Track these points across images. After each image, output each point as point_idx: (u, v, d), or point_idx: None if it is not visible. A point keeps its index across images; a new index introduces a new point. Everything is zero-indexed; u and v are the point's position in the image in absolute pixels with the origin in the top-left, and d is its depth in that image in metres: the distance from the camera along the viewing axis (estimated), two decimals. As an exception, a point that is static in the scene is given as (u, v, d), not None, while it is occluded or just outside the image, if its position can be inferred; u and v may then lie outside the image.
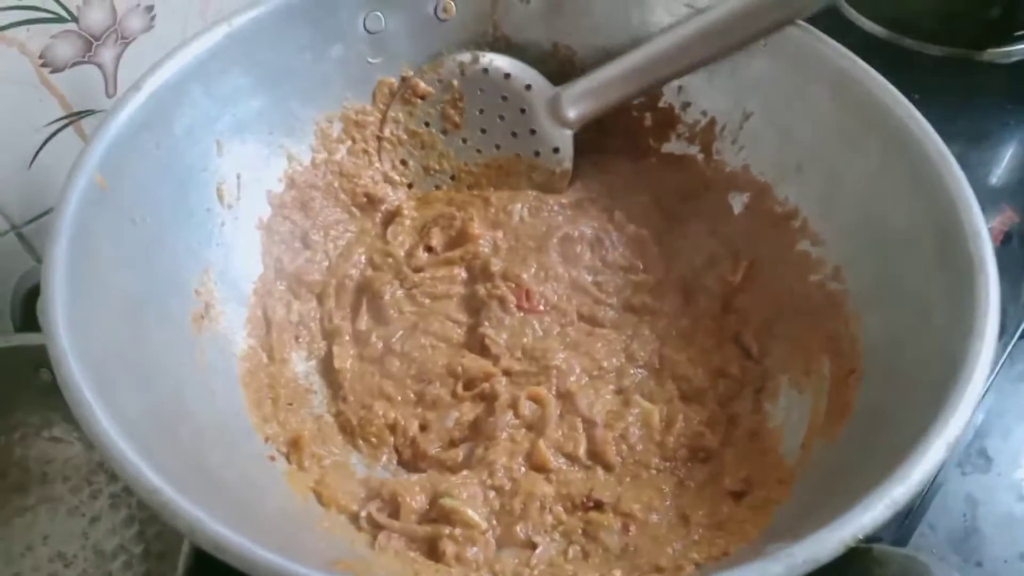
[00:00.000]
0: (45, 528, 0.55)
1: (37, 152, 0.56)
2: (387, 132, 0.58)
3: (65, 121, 0.58)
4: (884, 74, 0.48)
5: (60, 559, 0.54)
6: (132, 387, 0.38)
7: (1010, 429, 0.64)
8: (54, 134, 0.57)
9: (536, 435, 0.46)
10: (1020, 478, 0.61)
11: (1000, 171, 0.71)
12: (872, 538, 0.30)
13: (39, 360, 0.54)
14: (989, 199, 0.68)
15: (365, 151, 0.58)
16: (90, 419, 0.32)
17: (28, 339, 0.54)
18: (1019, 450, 0.63)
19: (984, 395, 0.61)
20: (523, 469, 0.45)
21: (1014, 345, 0.62)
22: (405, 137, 0.59)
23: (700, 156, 0.56)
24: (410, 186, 0.59)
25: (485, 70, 0.56)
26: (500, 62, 0.56)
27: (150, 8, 0.59)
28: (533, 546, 0.42)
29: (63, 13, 0.53)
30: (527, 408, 0.47)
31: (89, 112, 0.59)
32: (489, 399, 0.48)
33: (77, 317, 0.37)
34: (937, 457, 0.31)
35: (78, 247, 0.39)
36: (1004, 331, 0.61)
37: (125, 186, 0.44)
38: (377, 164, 0.58)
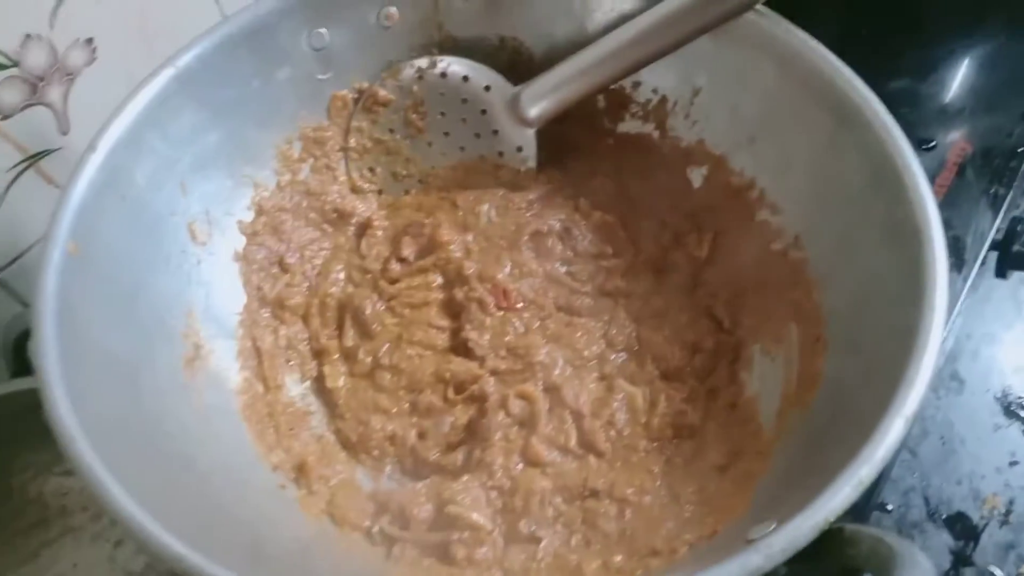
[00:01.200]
0: (72, 557, 0.58)
1: (2, 198, 0.56)
2: (352, 142, 0.58)
3: (24, 164, 0.58)
4: (828, 11, 0.48)
5: (92, 584, 0.56)
6: (137, 449, 0.39)
7: (978, 349, 0.67)
8: (15, 179, 0.57)
9: (528, 432, 0.49)
10: (992, 395, 0.65)
11: (950, 100, 0.72)
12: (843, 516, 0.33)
13: (39, 402, 0.55)
14: (942, 130, 0.70)
15: (328, 166, 0.58)
16: (109, 498, 0.34)
17: (24, 383, 0.55)
18: (989, 369, 0.66)
19: (952, 322, 0.64)
20: (520, 466, 0.48)
21: (976, 273, 0.64)
22: (370, 145, 0.59)
23: (656, 133, 0.57)
24: (380, 192, 0.60)
25: (443, 74, 0.56)
26: (457, 66, 0.56)
27: (90, 41, 0.58)
28: (538, 540, 0.45)
29: (2, 60, 0.53)
30: (517, 407, 0.49)
31: (46, 152, 0.59)
32: (479, 400, 0.50)
33: (75, 391, 0.38)
34: (897, 433, 0.34)
35: (64, 319, 0.40)
36: (964, 262, 0.64)
37: (98, 247, 0.44)
38: (343, 178, 0.59)
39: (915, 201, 0.40)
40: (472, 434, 0.50)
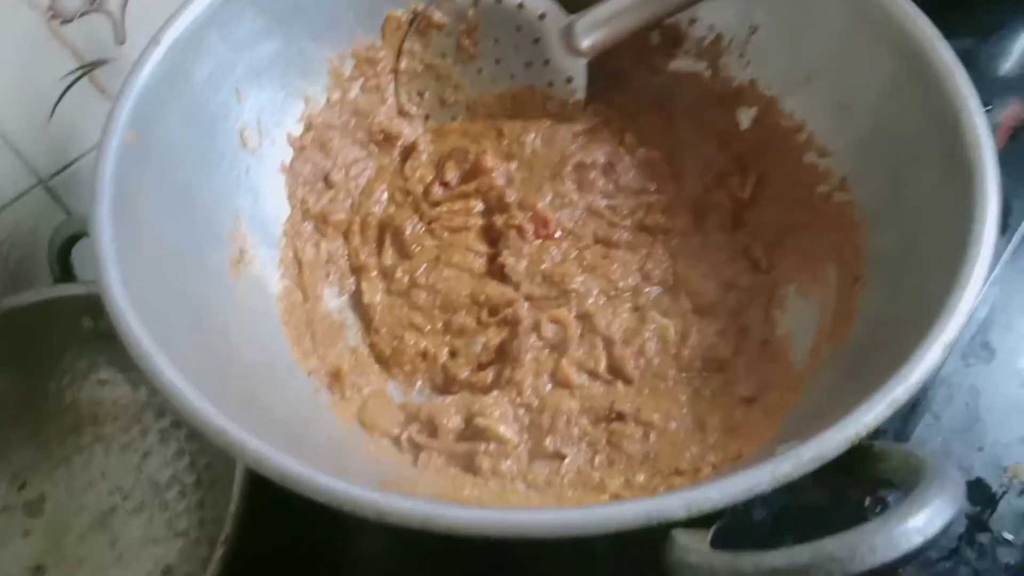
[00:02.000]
0: (102, 465, 0.59)
1: (55, 105, 0.57)
2: (403, 65, 0.59)
3: (79, 72, 0.58)
4: None
5: (119, 492, 0.58)
6: (184, 335, 0.40)
7: (1012, 321, 0.66)
8: (70, 86, 0.58)
9: (559, 355, 0.49)
10: (1021, 367, 0.64)
11: (1010, 65, 0.70)
12: (876, 434, 0.33)
13: (81, 308, 0.57)
14: (998, 94, 0.68)
15: (378, 88, 0.59)
16: (156, 370, 0.35)
17: (68, 289, 0.57)
18: (1021, 341, 0.65)
19: (987, 288, 0.63)
20: (549, 387, 0.48)
21: (1019, 242, 0.63)
22: (421, 69, 0.59)
23: (707, 72, 0.56)
24: (427, 118, 0.60)
25: (498, 0, 0.56)
26: (513, -9, 0.56)
27: (151, -49, 0.59)
28: (562, 457, 0.45)
29: (67, -37, 0.53)
30: (549, 330, 0.50)
31: (101, 62, 0.59)
32: (512, 324, 0.51)
33: (128, 273, 0.39)
34: (935, 358, 0.34)
35: (119, 206, 0.41)
36: (1008, 227, 0.63)
37: (154, 140, 0.45)
38: (391, 100, 0.59)
39: (973, 142, 0.40)
40: (503, 355, 0.50)
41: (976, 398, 0.63)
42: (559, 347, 0.50)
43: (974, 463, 0.60)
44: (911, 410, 0.58)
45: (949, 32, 0.45)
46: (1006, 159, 0.66)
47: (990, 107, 0.67)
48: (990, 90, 0.69)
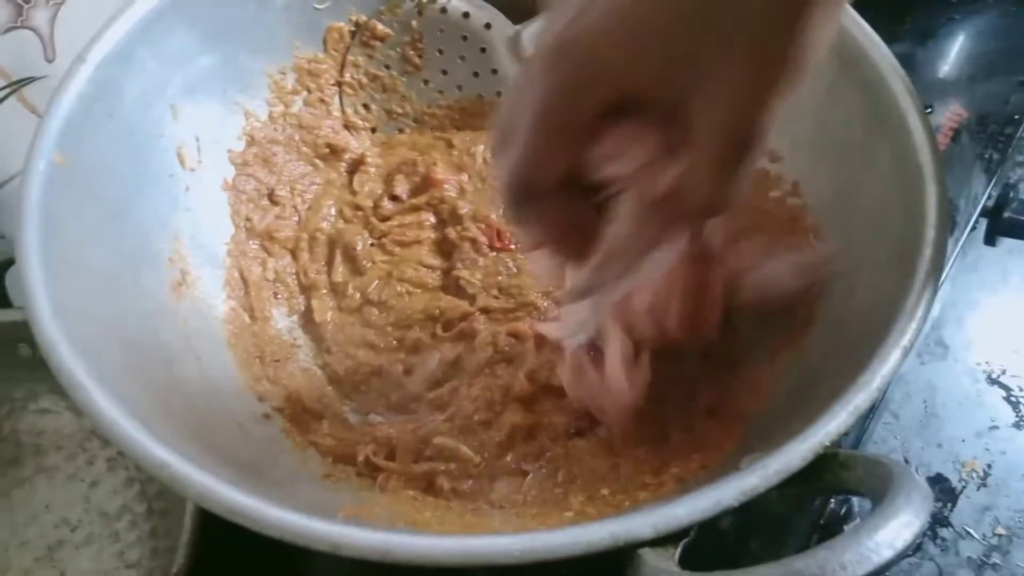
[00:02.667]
0: (45, 497, 0.57)
1: (-18, 125, 0.56)
2: (347, 76, 0.58)
3: (6, 91, 0.56)
4: None
5: (65, 524, 0.55)
6: (122, 364, 0.38)
7: (963, 317, 0.67)
8: (-3, 105, 0.56)
9: (515, 369, 0.48)
10: (974, 363, 0.65)
11: (948, 68, 0.72)
12: (838, 441, 0.33)
13: (17, 335, 0.55)
14: (938, 96, 0.70)
15: (322, 100, 0.58)
16: (89, 402, 0.33)
17: (3, 315, 0.55)
18: (973, 337, 0.66)
19: (940, 285, 0.65)
20: (508, 402, 0.47)
21: (966, 238, 0.65)
22: (366, 81, 0.58)
23: (656, 80, 0.56)
24: (373, 130, 0.59)
25: (443, 9, 0.56)
26: (458, 1, 0.56)
27: (78, -36, 0.57)
28: (524, 474, 0.44)
29: (-14, -23, 0.51)
30: (506, 343, 0.49)
31: (30, 79, 0.57)
32: (469, 337, 0.50)
33: (59, 302, 0.37)
34: (894, 362, 0.34)
35: (48, 230, 0.39)
36: (955, 225, 0.64)
37: (83, 161, 0.43)
38: (336, 113, 0.58)
39: (918, 143, 0.40)
40: (459, 370, 0.49)
41: (933, 395, 0.64)
42: (515, 361, 0.49)
43: (933, 460, 0.61)
44: (871, 410, 0.59)
45: (887, 37, 0.46)
46: (948, 159, 0.68)
47: (930, 109, 0.69)
48: (930, 92, 0.71)
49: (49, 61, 0.58)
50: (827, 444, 0.31)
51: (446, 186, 0.55)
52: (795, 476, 0.31)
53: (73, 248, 0.41)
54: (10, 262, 0.54)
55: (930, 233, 0.37)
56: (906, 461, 0.61)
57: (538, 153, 0.30)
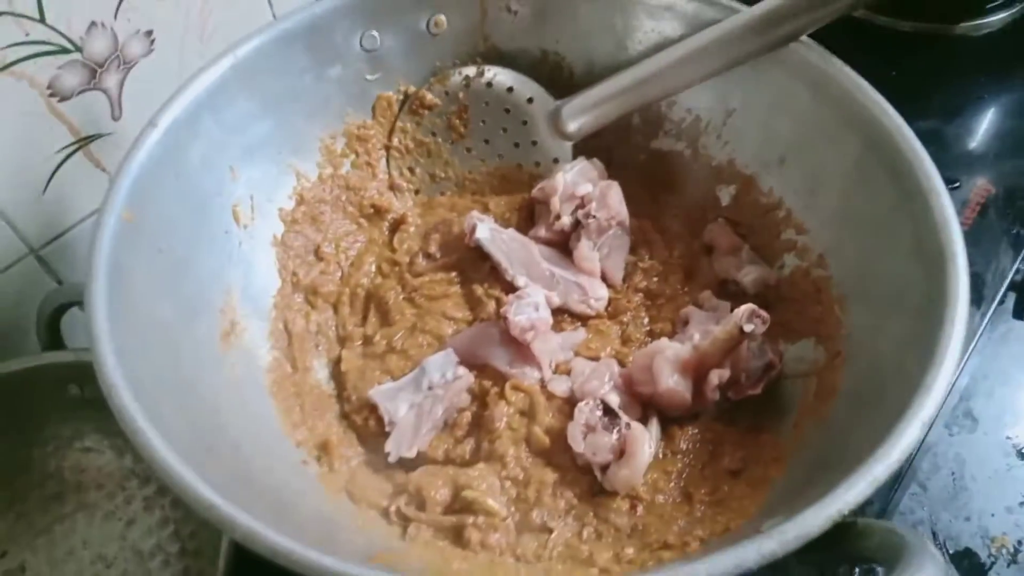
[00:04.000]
0: (84, 533, 0.59)
1: (50, 178, 0.59)
2: (395, 141, 0.61)
3: (75, 147, 0.60)
4: (859, 53, 0.50)
5: (101, 561, 0.57)
6: (175, 407, 0.41)
7: (993, 390, 0.67)
8: (65, 159, 0.59)
9: (529, 421, 0.49)
10: (1004, 436, 0.65)
11: (975, 144, 0.73)
12: (861, 506, 0.33)
13: (67, 376, 0.57)
14: (966, 172, 0.71)
15: (368, 164, 0.61)
16: (146, 445, 0.35)
17: (56, 357, 0.57)
18: (1003, 409, 0.66)
19: (968, 359, 0.65)
20: (530, 458, 0.48)
21: (993, 311, 0.65)
22: (412, 146, 0.61)
23: (688, 151, 0.59)
24: (416, 192, 0.62)
25: (489, 83, 0.59)
26: (503, 76, 0.59)
27: (149, 33, 0.61)
28: (550, 530, 0.45)
29: (67, 44, 0.55)
30: (514, 397, 0.50)
31: (97, 136, 0.61)
32: (480, 396, 0.52)
33: (121, 348, 0.39)
34: (914, 436, 0.35)
35: (114, 282, 0.42)
36: (983, 299, 0.65)
37: (149, 218, 0.46)
38: (382, 175, 0.61)
39: (941, 222, 0.42)
40: (478, 426, 0.51)
41: (961, 467, 0.63)
42: (528, 413, 0.50)
43: (961, 533, 0.60)
44: (897, 480, 0.58)
45: (915, 113, 0.48)
46: (976, 233, 0.69)
47: (958, 184, 0.70)
48: (957, 168, 0.72)
49: (115, 120, 0.61)
50: (845, 513, 0.32)
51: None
52: (814, 542, 0.32)
53: (136, 298, 0.43)
54: (67, 306, 0.57)
55: (951, 311, 0.38)
56: (934, 534, 0.60)
57: None
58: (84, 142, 0.60)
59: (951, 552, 0.60)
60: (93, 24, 0.56)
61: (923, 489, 0.62)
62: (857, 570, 0.51)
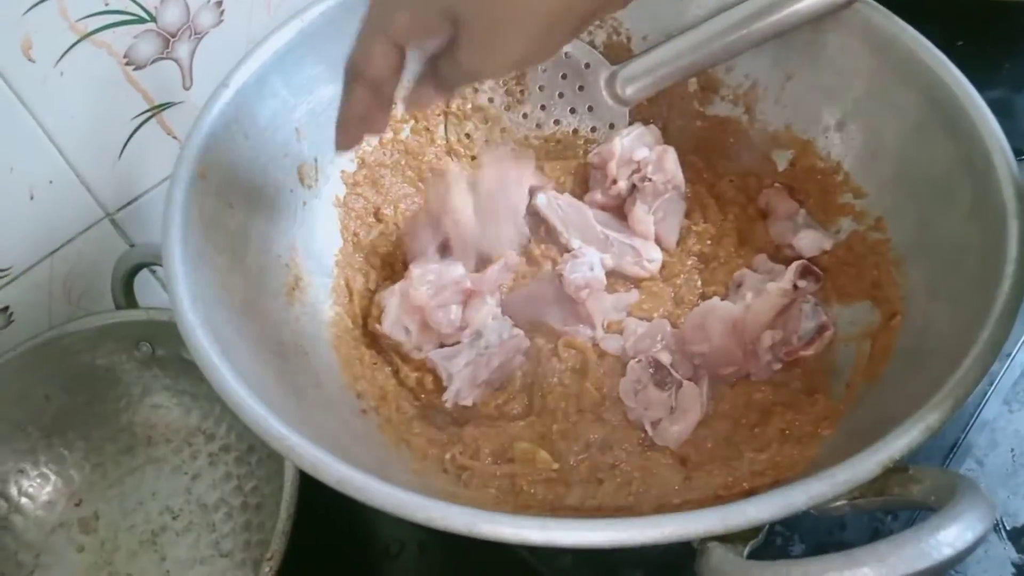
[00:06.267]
0: (152, 485, 0.62)
1: (125, 144, 0.61)
2: (454, 107, 0.62)
3: (149, 114, 0.62)
4: (926, 22, 0.50)
5: (168, 512, 0.61)
6: (245, 352, 0.43)
7: (1056, 365, 0.65)
8: (139, 127, 0.62)
9: (581, 377, 0.50)
10: (1067, 412, 0.63)
11: (1046, 113, 0.71)
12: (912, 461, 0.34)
13: (139, 335, 0.61)
14: (1034, 143, 0.69)
15: (427, 129, 0.62)
16: (222, 381, 0.38)
17: (129, 315, 0.60)
18: (1066, 385, 0.64)
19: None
20: (581, 413, 0.49)
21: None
22: (470, 111, 0.63)
23: (744, 117, 0.59)
24: (473, 158, 0.63)
25: (546, 48, 0.59)
26: (560, 41, 0.59)
27: (219, 3, 0.63)
28: (599, 482, 0.46)
29: (143, 14, 0.57)
30: (567, 354, 0.51)
31: (169, 104, 0.63)
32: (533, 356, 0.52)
33: (196, 294, 0.42)
34: (967, 388, 0.34)
35: (188, 233, 0.44)
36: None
37: (220, 174, 0.48)
38: (440, 141, 0.62)
39: (1003, 179, 0.41)
40: (531, 383, 0.52)
41: (1021, 444, 0.62)
42: (580, 370, 0.51)
43: (1020, 511, 0.59)
44: (953, 455, 0.57)
45: (984, 82, 0.47)
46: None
47: (1024, 157, 0.68)
48: (1024, 142, 0.70)
49: (187, 89, 0.64)
50: (896, 458, 0.32)
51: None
52: (864, 487, 0.32)
53: (209, 250, 0.46)
54: (139, 267, 0.60)
55: (1010, 268, 0.38)
56: (991, 510, 0.59)
57: None
58: (157, 110, 0.62)
59: (1008, 529, 0.59)
60: (167, -6, 0.58)
61: (980, 465, 0.61)
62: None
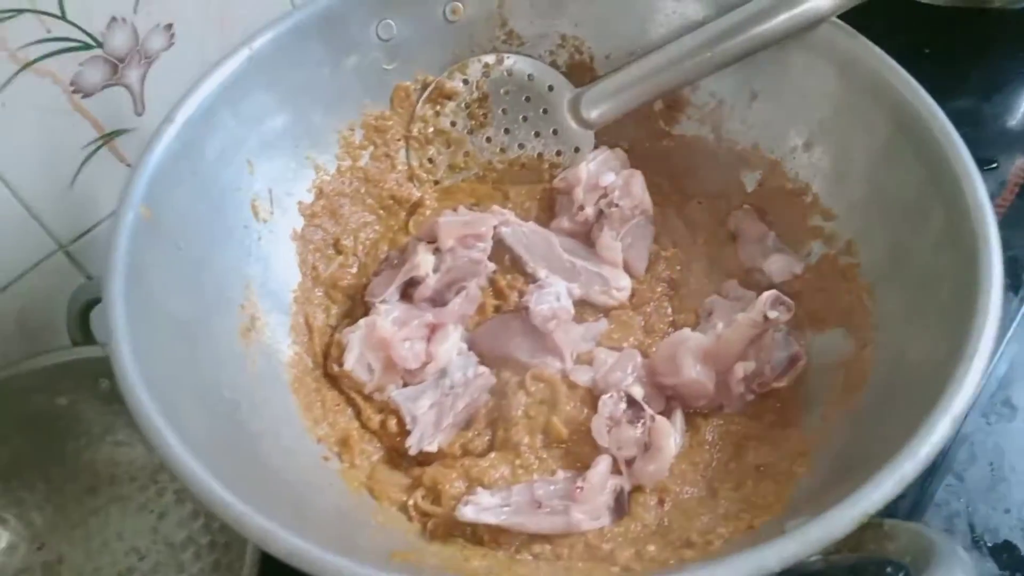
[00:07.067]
0: (118, 526, 0.60)
1: (76, 173, 0.59)
2: (415, 131, 0.60)
3: (100, 142, 0.60)
4: (892, 32, 0.49)
5: (135, 553, 0.58)
6: (194, 405, 0.41)
7: (1032, 378, 0.65)
8: (90, 155, 0.59)
9: (549, 410, 0.49)
10: (1044, 426, 0.63)
11: (1015, 122, 0.71)
12: (885, 511, 0.32)
13: (98, 371, 0.58)
14: (1004, 151, 0.69)
15: (387, 155, 0.60)
16: (162, 444, 0.36)
17: (87, 351, 0.58)
18: (1043, 398, 0.64)
19: (1005, 346, 0.63)
20: (546, 448, 0.48)
21: (1034, 296, 0.63)
22: (432, 135, 0.61)
23: (711, 136, 0.58)
24: (436, 183, 0.62)
25: (509, 71, 0.58)
26: (523, 64, 0.58)
27: (169, 27, 0.60)
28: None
29: (88, 40, 0.55)
30: (534, 387, 0.50)
31: (121, 131, 0.61)
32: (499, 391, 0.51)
33: (139, 346, 0.39)
34: (944, 433, 0.33)
35: (132, 279, 0.42)
36: (1021, 284, 0.63)
37: (167, 214, 0.46)
38: (401, 167, 0.60)
39: (973, 205, 0.40)
40: (496, 419, 0.50)
41: (1000, 457, 0.61)
42: (549, 402, 0.49)
43: (1000, 526, 0.58)
44: (932, 471, 0.57)
45: (951, 92, 0.46)
46: (1015, 214, 0.66)
47: (995, 164, 0.67)
48: (995, 146, 0.69)
49: (139, 115, 0.62)
50: (871, 513, 0.31)
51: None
52: (839, 544, 0.31)
53: (155, 295, 0.44)
54: (96, 301, 0.57)
55: (984, 299, 0.37)
56: (971, 526, 0.59)
57: None
58: (109, 137, 0.60)
59: (990, 545, 0.58)
60: (113, 19, 0.56)
61: (959, 480, 0.61)
62: (888, 568, 0.49)
